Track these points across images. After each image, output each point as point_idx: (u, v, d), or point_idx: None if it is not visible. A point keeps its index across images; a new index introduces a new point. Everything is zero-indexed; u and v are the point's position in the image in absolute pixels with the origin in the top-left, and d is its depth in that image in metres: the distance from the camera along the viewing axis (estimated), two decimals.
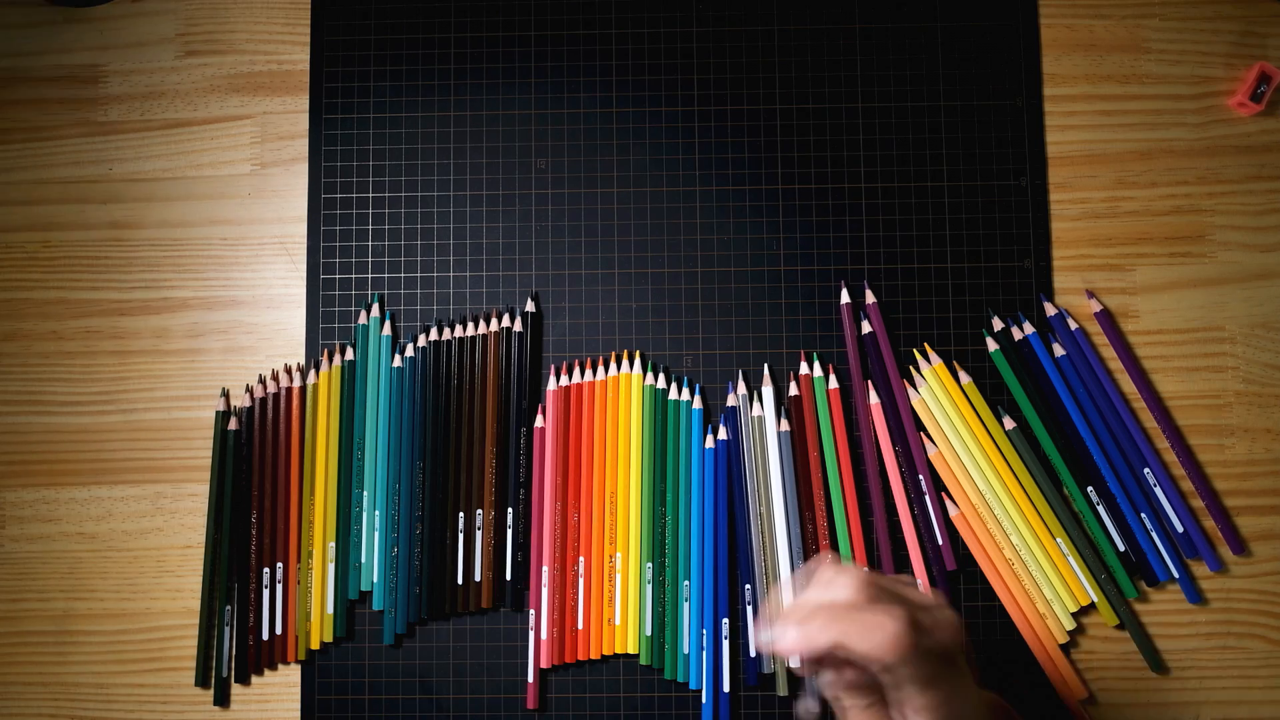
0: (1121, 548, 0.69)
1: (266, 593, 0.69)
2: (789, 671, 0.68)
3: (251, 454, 0.70)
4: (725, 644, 0.68)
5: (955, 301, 0.72)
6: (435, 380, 0.70)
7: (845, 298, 0.71)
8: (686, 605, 0.68)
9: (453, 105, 0.74)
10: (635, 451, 0.70)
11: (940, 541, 0.69)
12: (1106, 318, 0.71)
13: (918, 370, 0.71)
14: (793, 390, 0.70)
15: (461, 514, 0.69)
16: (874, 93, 0.73)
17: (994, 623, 0.69)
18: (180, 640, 0.70)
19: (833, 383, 0.70)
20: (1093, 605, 0.69)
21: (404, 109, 0.74)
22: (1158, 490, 0.69)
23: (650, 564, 0.69)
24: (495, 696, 0.69)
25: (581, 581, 0.69)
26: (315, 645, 0.69)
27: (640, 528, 0.69)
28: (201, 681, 0.69)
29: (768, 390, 0.70)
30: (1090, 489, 0.69)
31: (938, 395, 0.70)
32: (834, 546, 0.69)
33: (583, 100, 0.74)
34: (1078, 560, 0.68)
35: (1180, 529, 0.69)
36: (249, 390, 0.71)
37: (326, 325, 0.72)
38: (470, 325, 0.71)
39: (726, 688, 0.68)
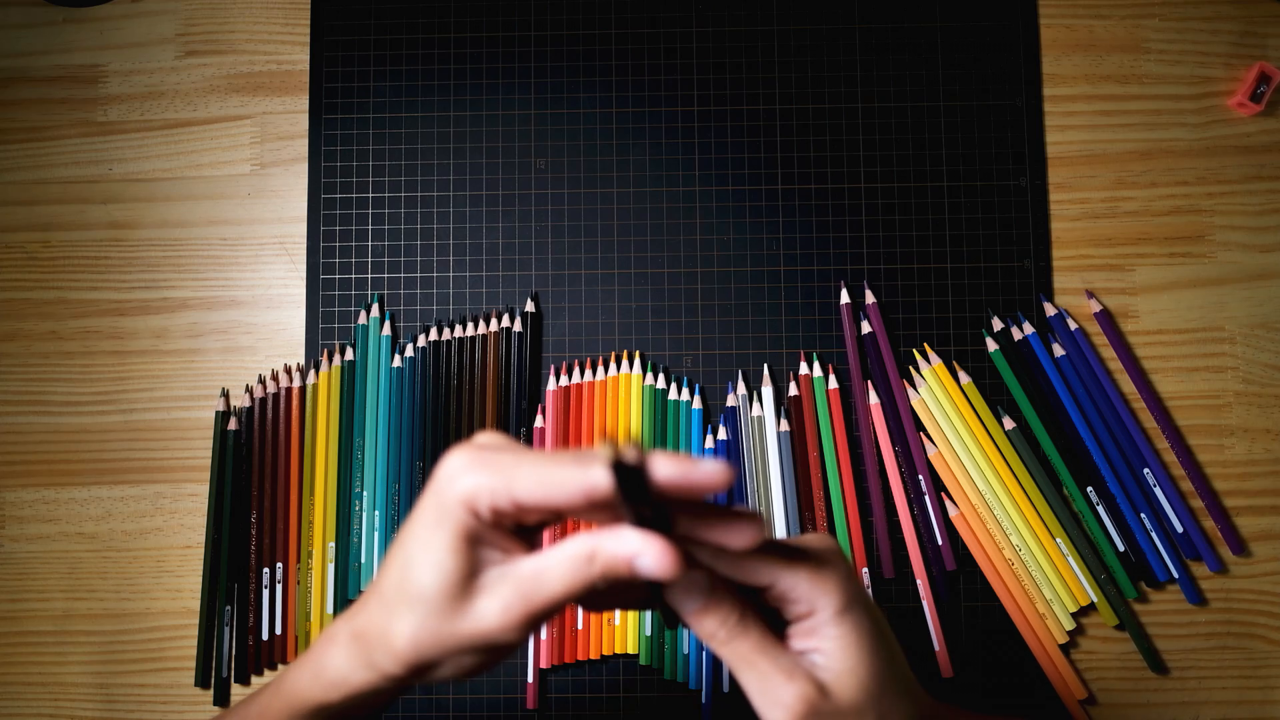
0: (1121, 548, 0.69)
1: (266, 593, 0.69)
2: None
3: (251, 454, 0.70)
4: None
5: (955, 301, 0.72)
6: (435, 380, 0.70)
7: (845, 298, 0.71)
8: None
9: (453, 105, 0.74)
10: None
11: (940, 541, 0.69)
12: (1106, 318, 0.71)
13: (917, 370, 0.71)
14: (792, 390, 0.70)
15: None
16: (874, 93, 0.73)
17: (994, 623, 0.69)
18: (180, 640, 0.70)
19: (832, 383, 0.70)
20: (1093, 605, 0.69)
21: (404, 109, 0.74)
22: (1158, 490, 0.69)
23: None
24: (495, 696, 0.69)
25: None
26: None
27: None
28: (201, 682, 0.69)
29: (767, 390, 0.70)
30: (1090, 489, 0.69)
31: (937, 395, 0.70)
32: None
33: (583, 100, 0.74)
34: (1078, 560, 0.68)
35: (1180, 529, 0.69)
36: (249, 390, 0.71)
37: (326, 325, 0.72)
38: (470, 325, 0.71)
39: (726, 688, 0.68)
